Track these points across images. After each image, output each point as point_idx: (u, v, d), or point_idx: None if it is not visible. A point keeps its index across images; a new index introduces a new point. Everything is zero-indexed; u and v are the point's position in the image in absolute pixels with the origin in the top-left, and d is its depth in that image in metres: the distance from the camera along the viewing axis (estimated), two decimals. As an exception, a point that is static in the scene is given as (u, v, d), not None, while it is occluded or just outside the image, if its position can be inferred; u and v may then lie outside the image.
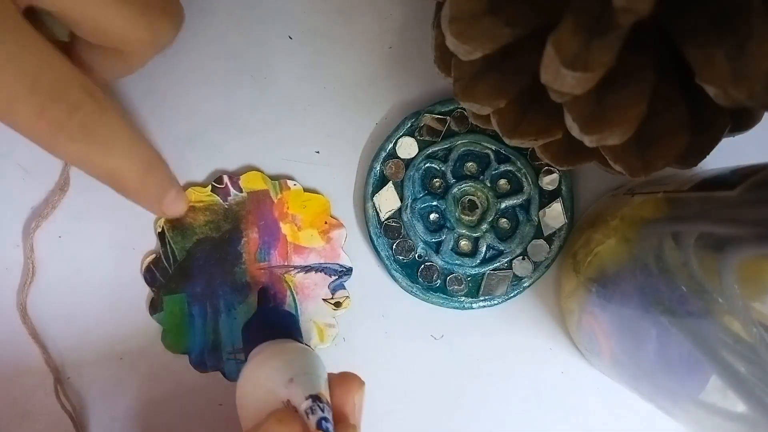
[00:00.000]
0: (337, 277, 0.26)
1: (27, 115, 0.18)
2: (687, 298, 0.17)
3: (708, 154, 0.19)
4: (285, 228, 0.26)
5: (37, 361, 0.26)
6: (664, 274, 0.18)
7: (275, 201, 0.26)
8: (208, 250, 0.26)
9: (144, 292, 0.26)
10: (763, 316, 0.14)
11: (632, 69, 0.17)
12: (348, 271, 0.26)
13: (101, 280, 0.26)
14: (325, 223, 0.26)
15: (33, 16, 0.19)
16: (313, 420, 0.17)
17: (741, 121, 0.19)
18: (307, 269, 0.26)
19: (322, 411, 0.17)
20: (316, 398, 0.18)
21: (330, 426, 0.17)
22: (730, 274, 0.15)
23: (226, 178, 0.26)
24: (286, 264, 0.26)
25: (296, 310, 0.26)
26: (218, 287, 0.26)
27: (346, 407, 0.19)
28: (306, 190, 0.26)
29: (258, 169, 0.26)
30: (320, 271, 0.26)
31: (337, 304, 0.26)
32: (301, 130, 0.26)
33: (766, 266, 0.15)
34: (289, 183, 0.26)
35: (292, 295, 0.26)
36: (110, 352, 0.26)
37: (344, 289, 0.26)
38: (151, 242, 0.26)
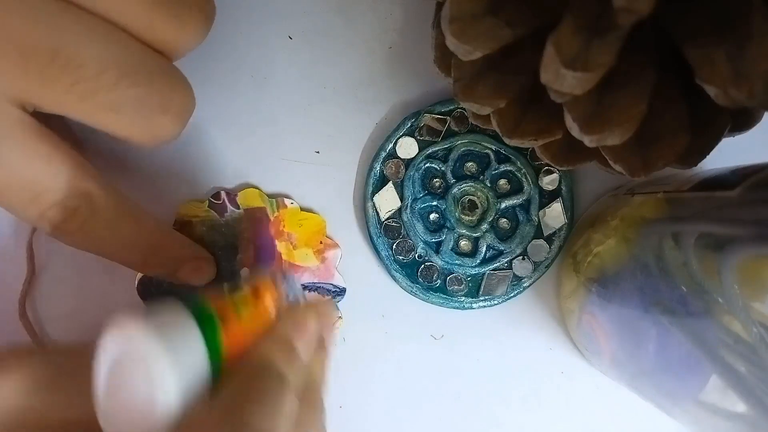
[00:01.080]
0: (330, 297, 0.26)
1: (26, 217, 0.20)
2: (687, 298, 0.17)
3: (708, 154, 0.19)
4: (280, 246, 0.26)
5: (37, 361, 0.26)
6: (664, 274, 0.18)
7: (272, 219, 0.26)
8: None
9: (144, 292, 0.26)
10: (763, 316, 0.14)
11: (632, 69, 0.17)
12: (341, 292, 0.26)
13: (101, 280, 0.26)
14: (321, 243, 0.26)
15: None
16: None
17: (741, 121, 0.19)
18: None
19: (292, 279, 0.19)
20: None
21: (290, 288, 0.20)
22: (730, 274, 0.15)
23: (223, 195, 0.26)
24: None
25: None
26: None
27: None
28: (302, 209, 0.26)
29: (256, 187, 0.26)
30: (314, 291, 0.26)
31: None
32: (301, 130, 0.26)
33: (766, 266, 0.15)
34: (286, 201, 0.26)
35: None
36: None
37: (336, 309, 0.26)
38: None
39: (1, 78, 0.17)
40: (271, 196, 0.26)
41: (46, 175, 0.19)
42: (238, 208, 0.26)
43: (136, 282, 0.26)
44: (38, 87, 0.18)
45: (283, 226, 0.26)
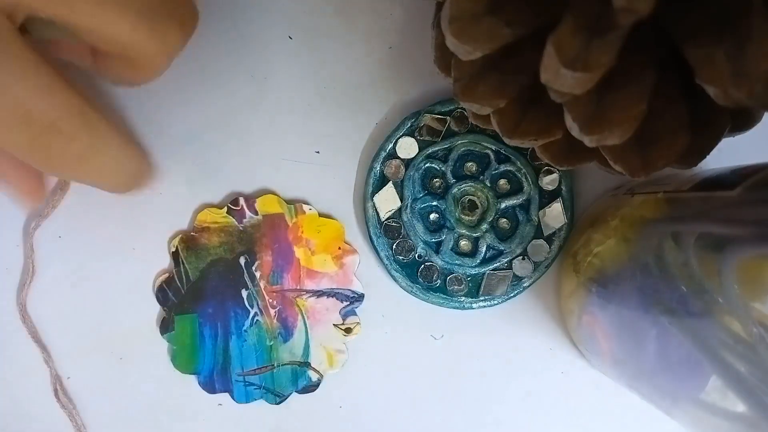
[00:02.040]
0: (348, 303, 0.26)
1: (19, 145, 0.18)
2: (687, 298, 0.17)
3: (708, 154, 0.19)
4: (299, 252, 0.26)
5: (37, 361, 0.26)
6: (664, 274, 0.18)
7: (290, 225, 0.26)
8: (222, 272, 0.26)
9: (144, 291, 0.26)
10: (763, 316, 0.14)
11: (632, 69, 0.17)
12: (360, 298, 0.26)
13: (101, 280, 0.26)
14: (339, 248, 0.26)
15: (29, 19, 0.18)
16: None
17: (741, 121, 0.19)
18: (318, 294, 0.26)
19: None
20: None
21: None
22: (730, 274, 0.15)
23: (242, 201, 0.26)
24: (298, 288, 0.26)
25: (307, 334, 0.26)
26: (230, 309, 0.26)
27: None
28: (321, 215, 0.26)
29: (274, 193, 0.26)
30: (332, 297, 0.26)
31: (348, 330, 0.26)
32: (301, 130, 0.26)
33: (766, 266, 0.15)
34: (305, 207, 0.26)
35: (303, 319, 0.26)
36: (110, 353, 0.26)
37: (355, 315, 0.26)
38: (164, 261, 0.26)
39: None
40: (289, 201, 0.26)
41: (39, 90, 0.18)
42: (257, 214, 0.26)
43: (155, 288, 0.26)
44: None
45: (302, 232, 0.26)
